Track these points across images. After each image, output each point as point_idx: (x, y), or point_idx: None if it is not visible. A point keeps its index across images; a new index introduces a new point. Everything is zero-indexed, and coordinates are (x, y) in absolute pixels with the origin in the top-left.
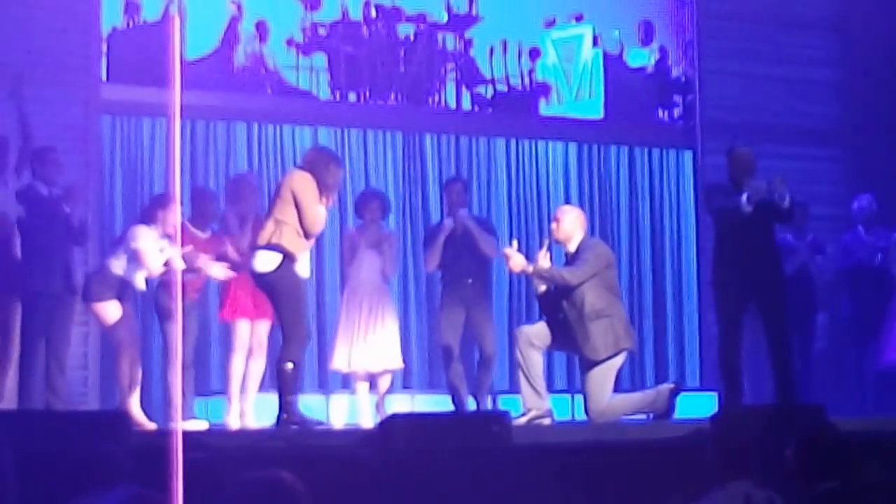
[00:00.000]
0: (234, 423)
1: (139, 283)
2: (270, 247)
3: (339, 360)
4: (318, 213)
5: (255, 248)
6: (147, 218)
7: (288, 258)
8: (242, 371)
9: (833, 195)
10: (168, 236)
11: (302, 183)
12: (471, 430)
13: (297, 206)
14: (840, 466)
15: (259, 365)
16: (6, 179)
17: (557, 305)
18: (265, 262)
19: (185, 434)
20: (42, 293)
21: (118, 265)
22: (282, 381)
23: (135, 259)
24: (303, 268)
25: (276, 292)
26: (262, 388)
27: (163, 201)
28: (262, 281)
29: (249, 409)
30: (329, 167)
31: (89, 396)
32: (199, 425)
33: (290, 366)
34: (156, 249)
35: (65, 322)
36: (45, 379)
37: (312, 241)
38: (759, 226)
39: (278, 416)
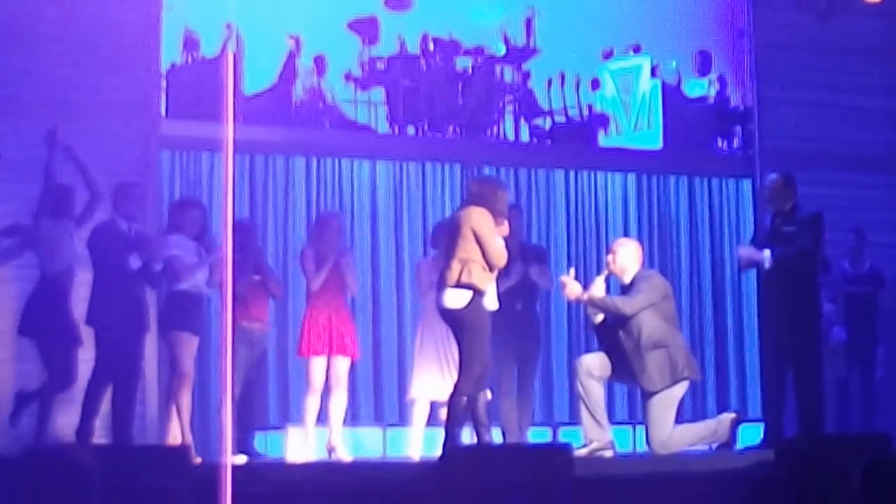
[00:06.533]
0: (307, 456)
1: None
2: (460, 285)
3: (419, 390)
4: (500, 245)
5: (442, 287)
6: (173, 226)
7: (478, 294)
8: (317, 408)
9: (891, 222)
10: (197, 239)
11: (480, 219)
12: (532, 462)
13: (479, 242)
14: None
15: (341, 399)
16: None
17: (614, 336)
18: (456, 299)
19: (240, 468)
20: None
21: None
22: (451, 415)
23: (171, 267)
24: (490, 301)
25: (463, 327)
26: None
27: (182, 207)
28: (450, 316)
29: (339, 442)
30: (496, 194)
31: (147, 431)
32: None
33: (463, 400)
34: (190, 253)
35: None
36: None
37: (496, 273)
38: (781, 276)
39: (443, 447)
